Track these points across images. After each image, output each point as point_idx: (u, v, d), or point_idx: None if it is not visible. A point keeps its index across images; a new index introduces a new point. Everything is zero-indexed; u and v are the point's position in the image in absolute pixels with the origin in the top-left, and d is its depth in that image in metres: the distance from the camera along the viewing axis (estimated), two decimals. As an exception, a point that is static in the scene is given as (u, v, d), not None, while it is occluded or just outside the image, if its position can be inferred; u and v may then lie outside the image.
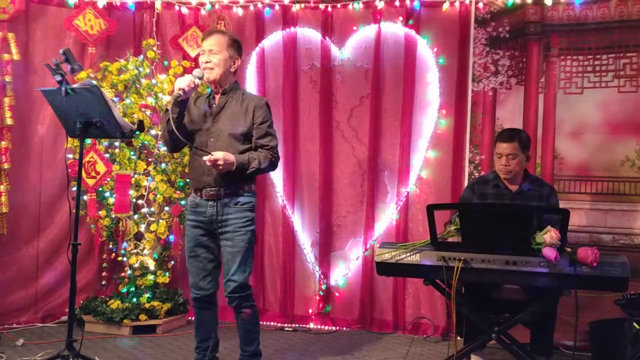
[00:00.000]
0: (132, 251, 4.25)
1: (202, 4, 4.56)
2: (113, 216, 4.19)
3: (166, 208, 4.29)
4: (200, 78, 3.00)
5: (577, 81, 4.08)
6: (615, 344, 3.28)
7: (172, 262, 4.38)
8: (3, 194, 4.13)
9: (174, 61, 4.37)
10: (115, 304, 4.15)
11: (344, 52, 4.49)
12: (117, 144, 4.21)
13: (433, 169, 4.34)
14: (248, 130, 3.05)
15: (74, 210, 3.08)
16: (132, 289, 4.26)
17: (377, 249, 3.10)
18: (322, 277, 4.48)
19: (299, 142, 4.54)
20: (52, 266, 4.39)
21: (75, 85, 3.01)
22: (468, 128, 4.26)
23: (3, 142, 4.13)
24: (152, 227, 4.19)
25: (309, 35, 4.53)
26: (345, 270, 4.48)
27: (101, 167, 4.07)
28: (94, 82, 3.36)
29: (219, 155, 2.88)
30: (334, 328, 4.40)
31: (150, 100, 4.21)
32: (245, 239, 3.01)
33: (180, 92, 2.93)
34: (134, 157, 4.21)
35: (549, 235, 2.79)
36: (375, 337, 4.21)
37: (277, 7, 4.54)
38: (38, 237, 4.36)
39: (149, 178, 4.25)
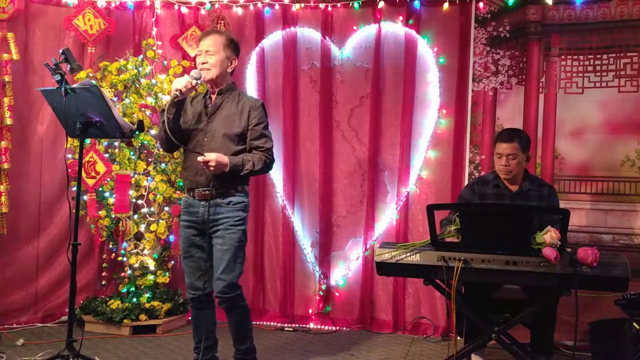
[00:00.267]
0: (132, 251, 4.25)
1: (202, 4, 4.56)
2: (113, 216, 4.19)
3: (166, 208, 4.29)
4: (198, 79, 3.01)
5: (578, 81, 4.07)
6: (615, 344, 3.28)
7: (172, 262, 4.38)
8: (3, 194, 4.13)
9: (174, 61, 4.37)
10: (115, 304, 4.14)
11: (344, 52, 4.49)
12: (117, 144, 4.21)
13: (433, 169, 4.34)
14: (243, 131, 3.05)
15: (74, 210, 3.08)
16: (132, 289, 4.26)
17: (377, 249, 3.10)
18: (322, 277, 4.48)
19: (299, 142, 4.54)
20: (52, 266, 4.39)
21: (74, 85, 3.01)
22: (468, 128, 4.25)
23: (3, 142, 4.13)
24: (152, 227, 4.19)
25: (309, 35, 4.53)
26: (345, 270, 4.47)
27: (101, 167, 4.07)
28: (94, 82, 3.36)
29: (211, 156, 2.88)
30: (334, 328, 4.40)
31: (150, 100, 4.21)
32: (235, 238, 3.00)
33: (177, 93, 2.93)
34: (133, 157, 4.21)
35: (549, 235, 2.79)
36: (375, 337, 4.20)
37: (277, 6, 4.54)
38: (38, 237, 4.36)
39: (148, 178, 4.25)
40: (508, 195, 3.36)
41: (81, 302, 4.27)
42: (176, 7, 4.59)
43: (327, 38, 4.48)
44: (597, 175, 4.03)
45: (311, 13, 4.53)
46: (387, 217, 4.41)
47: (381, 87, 4.41)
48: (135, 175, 4.19)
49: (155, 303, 4.19)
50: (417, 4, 4.33)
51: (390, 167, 4.41)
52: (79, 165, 3.12)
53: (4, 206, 4.13)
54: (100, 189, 4.20)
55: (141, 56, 4.31)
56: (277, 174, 4.54)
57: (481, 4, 4.22)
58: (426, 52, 4.34)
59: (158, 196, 4.20)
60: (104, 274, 4.41)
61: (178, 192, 4.26)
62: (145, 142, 4.23)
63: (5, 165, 4.13)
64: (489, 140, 4.18)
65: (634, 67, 3.96)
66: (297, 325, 4.44)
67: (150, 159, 4.29)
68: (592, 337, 3.61)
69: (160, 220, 4.23)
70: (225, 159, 2.93)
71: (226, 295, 2.97)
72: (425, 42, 4.34)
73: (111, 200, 4.18)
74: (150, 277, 4.24)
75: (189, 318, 4.37)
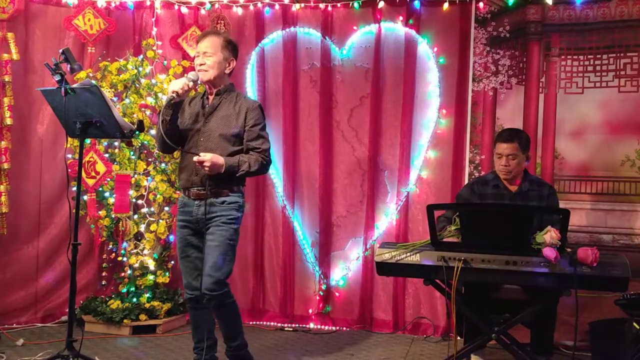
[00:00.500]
0: (132, 251, 4.25)
1: (202, 4, 4.56)
2: (113, 216, 4.19)
3: (166, 208, 4.29)
4: (194, 81, 3.01)
5: (578, 81, 4.07)
6: (615, 344, 3.28)
7: (172, 262, 4.38)
8: (3, 194, 4.13)
9: (174, 61, 4.37)
10: (115, 304, 4.14)
11: (344, 52, 4.49)
12: (116, 144, 4.21)
13: (433, 169, 4.33)
14: (239, 131, 3.06)
15: (74, 210, 3.08)
16: (132, 289, 4.26)
17: (377, 249, 3.10)
18: (322, 277, 4.48)
19: (299, 142, 4.54)
20: (52, 266, 4.39)
21: (74, 85, 3.01)
22: (468, 128, 4.25)
23: (3, 142, 4.13)
24: (152, 227, 4.19)
25: (309, 35, 4.53)
26: (345, 270, 4.47)
27: (101, 167, 4.07)
28: (94, 82, 3.35)
29: (206, 156, 2.89)
30: (334, 328, 4.40)
31: (150, 100, 4.21)
32: (226, 235, 2.99)
33: (174, 95, 2.94)
34: (133, 157, 4.21)
35: (549, 235, 2.79)
36: (375, 337, 4.20)
37: (277, 6, 4.53)
38: (38, 237, 4.35)
39: (148, 178, 4.25)
40: (508, 196, 3.36)
41: (81, 302, 4.28)
42: (176, 7, 4.59)
43: (327, 38, 4.48)
44: (597, 175, 4.03)
45: (311, 13, 4.53)
46: (387, 217, 4.41)
47: (381, 87, 4.41)
48: (135, 175, 4.19)
49: (155, 303, 4.19)
50: (417, 4, 4.32)
51: (390, 167, 4.41)
52: (79, 165, 3.12)
53: (4, 206, 4.13)
54: (100, 189, 4.20)
55: (141, 56, 4.32)
56: (277, 174, 4.54)
57: (481, 4, 4.21)
58: (426, 52, 4.34)
59: (158, 196, 4.20)
60: (104, 274, 4.41)
61: (178, 192, 4.25)
62: (145, 142, 4.23)
63: (5, 165, 4.13)
64: (489, 140, 4.18)
65: (634, 67, 3.96)
66: (297, 325, 4.44)
67: (150, 159, 4.29)
68: (592, 337, 3.61)
69: (160, 220, 4.24)
70: (220, 159, 2.93)
71: (213, 292, 2.95)
72: (425, 42, 4.34)
73: (111, 200, 4.18)
74: (150, 277, 4.24)
75: (189, 318, 4.38)
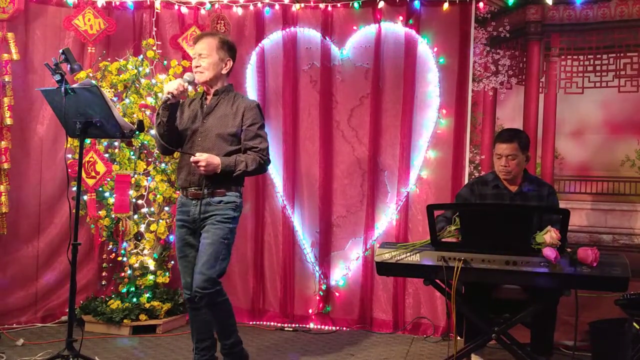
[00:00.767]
0: (132, 251, 4.25)
1: (202, 4, 4.56)
2: (113, 216, 4.19)
3: (166, 208, 4.29)
4: (190, 81, 3.02)
5: (578, 81, 4.07)
6: (615, 344, 3.28)
7: (172, 262, 4.38)
8: (3, 194, 4.14)
9: (174, 61, 4.37)
10: (115, 304, 4.14)
11: (344, 52, 4.49)
12: (116, 144, 4.22)
13: (433, 169, 4.34)
14: (237, 131, 3.06)
15: (74, 210, 3.08)
16: (132, 289, 4.26)
17: (377, 249, 3.10)
18: (322, 277, 4.48)
19: (299, 142, 4.54)
20: (52, 266, 4.39)
21: (74, 85, 3.01)
22: (468, 128, 4.25)
23: (3, 142, 4.13)
24: (152, 227, 4.19)
25: (309, 34, 4.53)
26: (345, 270, 4.47)
27: (101, 167, 4.07)
28: (94, 82, 3.36)
29: (202, 156, 2.89)
30: (334, 328, 4.40)
31: (150, 100, 4.21)
32: (221, 234, 2.98)
33: (169, 96, 2.94)
34: (133, 157, 4.21)
35: (549, 235, 2.78)
36: (375, 337, 4.20)
37: (277, 6, 4.54)
38: (38, 237, 4.36)
39: (148, 178, 4.25)
40: (508, 196, 3.36)
41: (81, 302, 4.28)
42: (176, 7, 4.59)
43: (327, 38, 4.48)
44: (597, 175, 4.03)
45: (311, 13, 4.53)
46: (387, 217, 4.41)
47: (381, 87, 4.41)
48: (135, 175, 4.19)
49: (155, 303, 4.19)
50: (417, 4, 4.33)
51: (390, 167, 4.41)
52: (79, 165, 3.12)
53: (4, 206, 4.13)
54: (100, 189, 4.20)
55: (141, 56, 4.32)
56: (277, 174, 4.54)
57: (481, 4, 4.21)
58: (426, 52, 4.34)
59: (158, 196, 4.20)
60: (104, 274, 4.41)
61: (178, 192, 4.25)
62: (145, 142, 4.23)
63: (5, 165, 4.13)
64: (489, 140, 4.18)
65: (634, 67, 3.96)
66: (297, 325, 4.44)
67: (150, 159, 4.29)
68: (592, 337, 3.62)
69: (160, 220, 4.24)
70: (216, 159, 2.93)
71: (205, 290, 2.92)
72: (425, 42, 4.34)
73: (111, 200, 4.18)
74: (150, 277, 4.24)
75: (189, 318, 4.38)
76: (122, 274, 4.30)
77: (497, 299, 3.27)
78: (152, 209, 4.26)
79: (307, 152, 4.53)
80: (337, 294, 4.48)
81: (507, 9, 4.19)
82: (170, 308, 4.25)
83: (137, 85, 4.24)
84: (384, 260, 3.00)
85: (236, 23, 4.56)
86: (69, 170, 3.75)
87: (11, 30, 4.15)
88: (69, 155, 4.05)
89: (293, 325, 4.44)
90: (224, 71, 3.13)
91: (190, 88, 3.08)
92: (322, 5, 4.48)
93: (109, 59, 4.35)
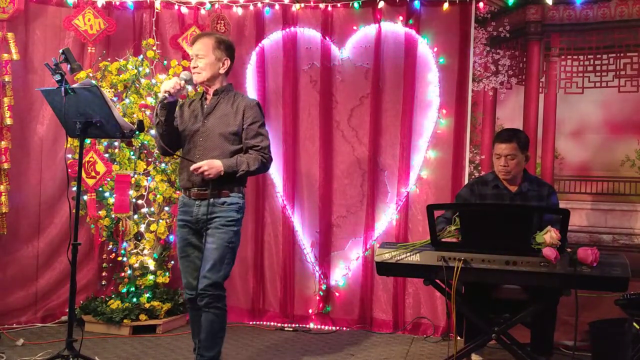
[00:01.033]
0: (132, 251, 4.25)
1: (202, 4, 4.56)
2: (113, 216, 4.19)
3: (166, 208, 4.29)
4: (187, 81, 3.02)
5: (578, 81, 4.07)
6: (615, 344, 3.28)
7: (172, 262, 4.38)
8: (3, 194, 4.14)
9: (174, 61, 4.37)
10: (115, 304, 4.14)
11: (344, 52, 4.49)
12: (116, 144, 4.21)
13: (433, 169, 4.33)
14: (238, 129, 3.05)
15: (74, 210, 3.08)
16: (132, 289, 4.26)
17: (377, 249, 3.10)
18: (322, 277, 4.48)
19: (299, 142, 4.54)
20: (52, 266, 4.39)
21: (74, 85, 3.01)
22: (468, 128, 4.25)
23: (3, 142, 4.13)
24: (152, 227, 4.19)
25: (309, 34, 4.53)
26: (345, 270, 4.47)
27: (101, 167, 4.07)
28: (94, 82, 3.36)
29: (201, 163, 2.89)
30: (334, 328, 4.40)
31: (150, 100, 4.21)
32: (225, 238, 2.98)
33: (166, 95, 2.94)
34: (133, 157, 4.21)
35: (549, 235, 2.78)
36: (375, 337, 4.20)
37: (277, 6, 4.54)
38: (38, 237, 4.36)
39: (148, 178, 4.25)
40: (508, 196, 3.36)
41: (81, 302, 4.28)
42: (176, 7, 4.59)
43: (327, 38, 4.48)
44: (597, 175, 4.03)
45: (311, 13, 4.53)
46: (387, 217, 4.41)
47: (381, 87, 4.41)
48: (135, 175, 4.19)
49: (155, 303, 4.19)
50: (417, 4, 4.33)
51: (390, 167, 4.41)
52: (79, 165, 3.12)
53: (4, 206, 4.13)
54: (100, 189, 4.20)
55: (141, 56, 4.32)
56: (277, 174, 4.54)
57: (481, 4, 4.21)
58: (426, 52, 4.34)
59: (158, 196, 4.20)
60: (104, 274, 4.41)
61: (178, 192, 4.26)
62: (145, 142, 4.23)
63: (5, 165, 4.13)
64: (489, 140, 4.17)
65: (634, 67, 3.96)
66: (297, 325, 4.44)
67: (150, 159, 4.29)
68: (592, 337, 3.61)
69: (160, 220, 4.24)
70: (216, 162, 2.93)
71: (209, 292, 2.94)
72: (425, 42, 4.34)
73: (111, 200, 4.18)
74: (150, 277, 4.24)
75: (189, 318, 4.38)
76: (122, 274, 4.30)
77: (497, 299, 3.27)
78: (152, 209, 4.26)
79: (307, 152, 4.53)
80: (337, 294, 4.48)
81: (507, 9, 4.19)
82: (170, 308, 4.25)
83: (137, 85, 4.25)
84: (384, 260, 3.00)
85: (236, 23, 4.56)
86: (69, 170, 3.75)
87: (11, 30, 4.15)
88: (69, 155, 4.05)
89: (293, 325, 4.44)
90: (222, 71, 3.12)
91: (190, 88, 3.09)
92: (322, 5, 4.48)
93: (109, 59, 4.35)
